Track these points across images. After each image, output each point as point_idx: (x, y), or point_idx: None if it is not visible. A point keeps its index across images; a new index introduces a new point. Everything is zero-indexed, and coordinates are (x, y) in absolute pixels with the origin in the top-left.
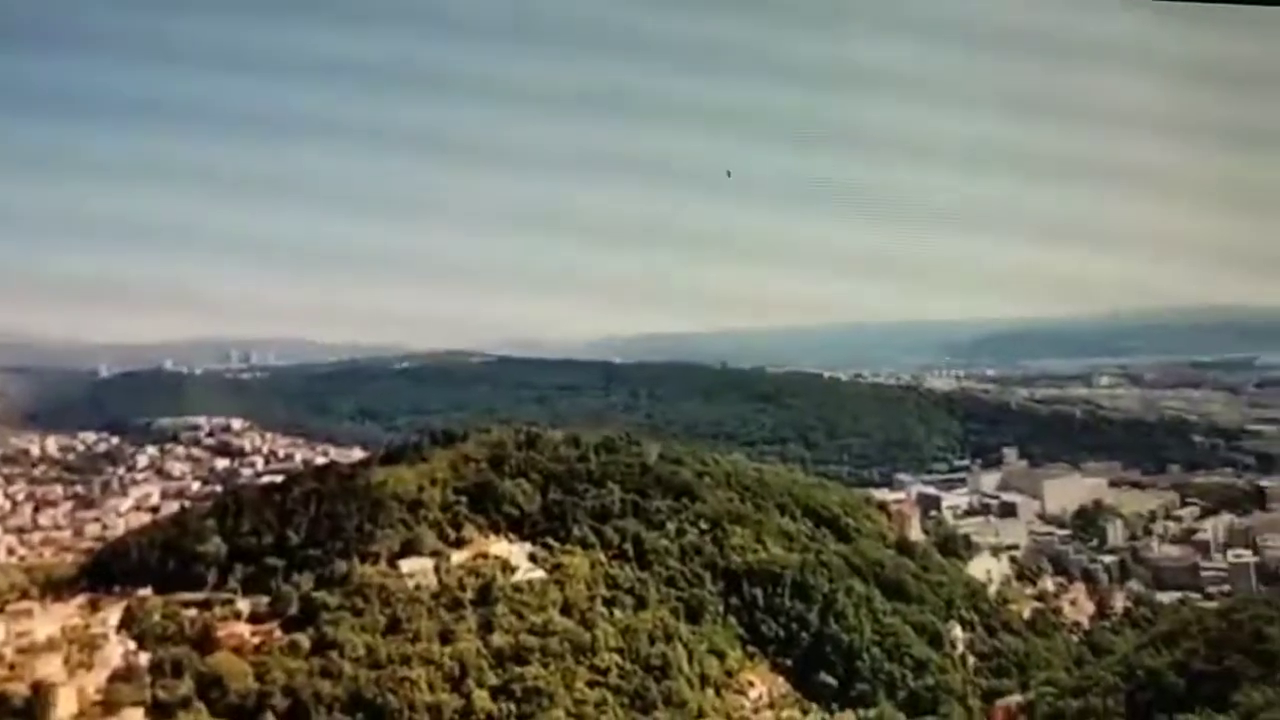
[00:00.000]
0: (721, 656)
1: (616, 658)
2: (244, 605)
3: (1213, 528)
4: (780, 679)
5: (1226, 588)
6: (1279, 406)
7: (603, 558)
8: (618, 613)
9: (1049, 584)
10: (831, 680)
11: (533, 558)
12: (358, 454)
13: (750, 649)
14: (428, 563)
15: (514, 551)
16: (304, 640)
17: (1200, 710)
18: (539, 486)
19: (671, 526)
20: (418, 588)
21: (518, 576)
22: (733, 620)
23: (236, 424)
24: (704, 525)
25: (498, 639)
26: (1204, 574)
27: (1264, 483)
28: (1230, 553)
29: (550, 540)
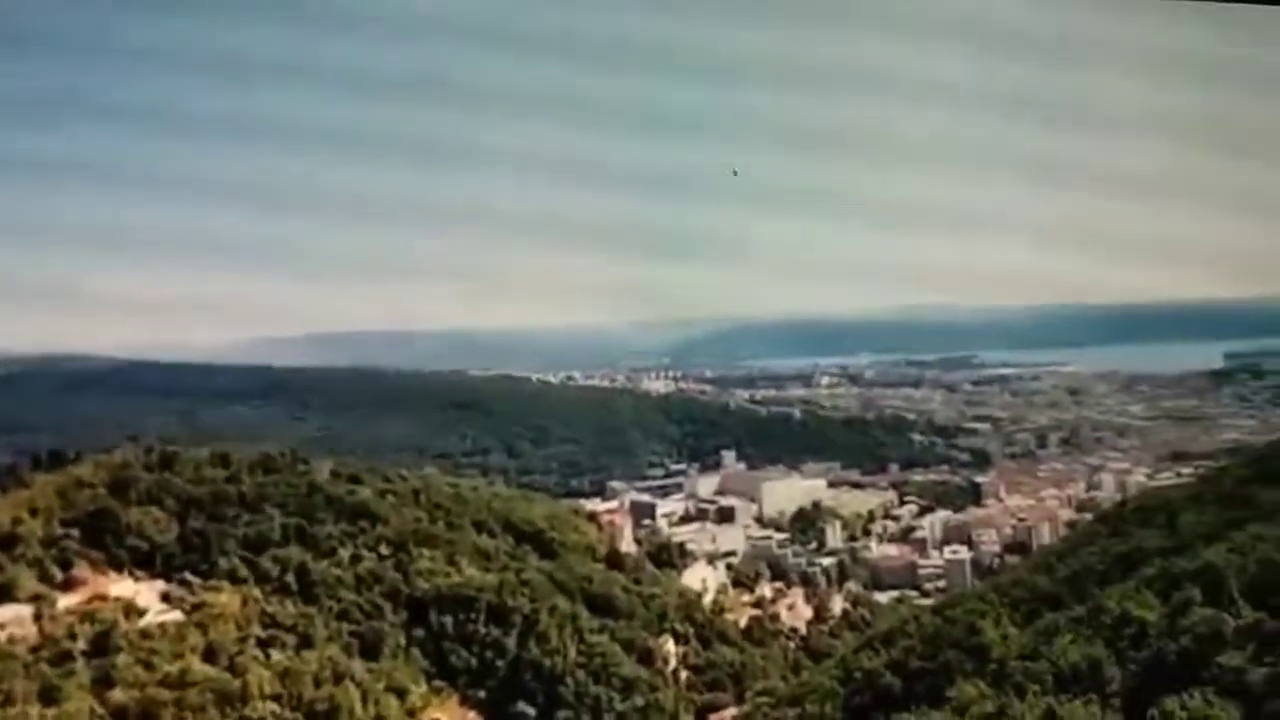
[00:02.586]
0: (402, 694)
1: (273, 706)
2: None
3: (930, 525)
4: (472, 713)
5: (943, 584)
6: (994, 404)
7: (257, 593)
8: (276, 654)
9: (767, 590)
10: (530, 709)
11: (167, 597)
12: None
13: (437, 683)
14: (24, 610)
15: (142, 591)
16: None
17: (916, 708)
18: (176, 514)
19: (345, 553)
20: (11, 640)
21: (147, 620)
22: (417, 653)
23: None
24: (385, 549)
25: (119, 694)
26: (921, 572)
27: (979, 479)
28: (947, 549)
29: (190, 576)
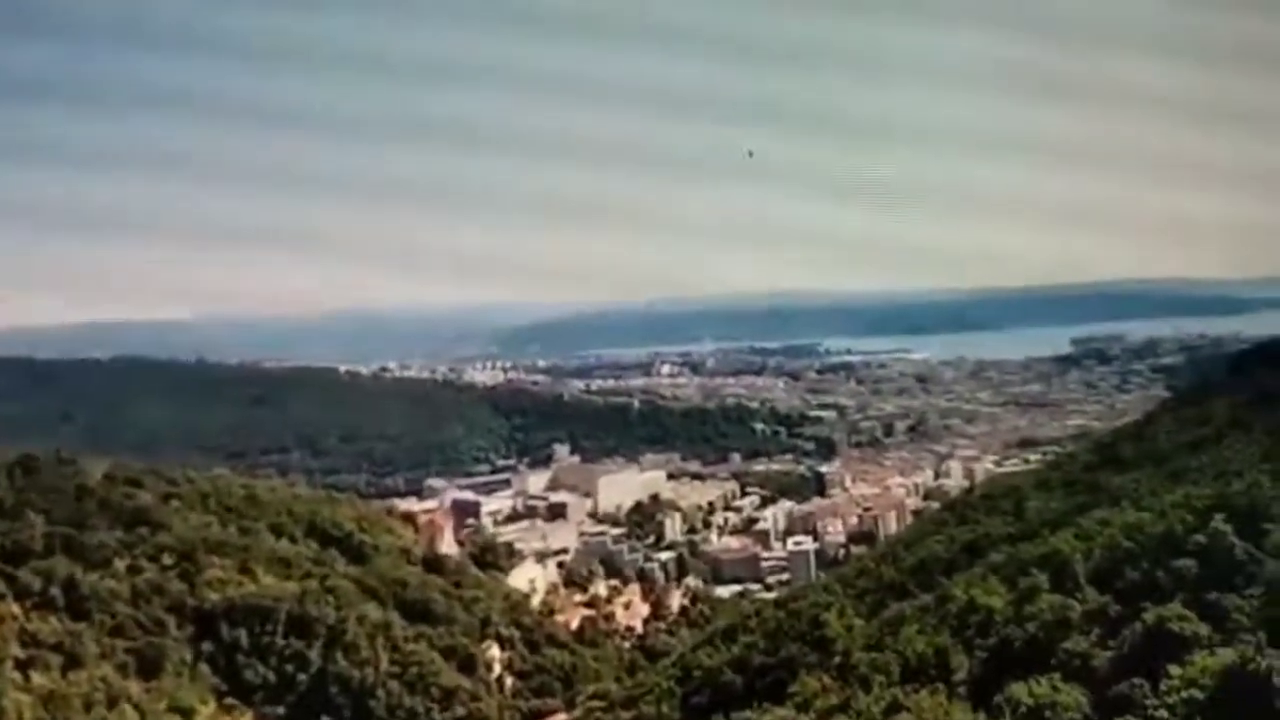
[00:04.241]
0: (188, 714)
1: None
2: None
3: (773, 516)
4: None
5: (786, 576)
6: (840, 392)
7: (16, 609)
8: (38, 677)
9: (601, 588)
10: None
11: None
12: None
13: (229, 700)
14: None
15: None
16: None
17: (758, 705)
18: None
19: (121, 564)
20: None
21: None
22: (206, 669)
23: None
24: (168, 559)
25: None
26: (764, 564)
27: (824, 468)
28: (790, 541)
29: None
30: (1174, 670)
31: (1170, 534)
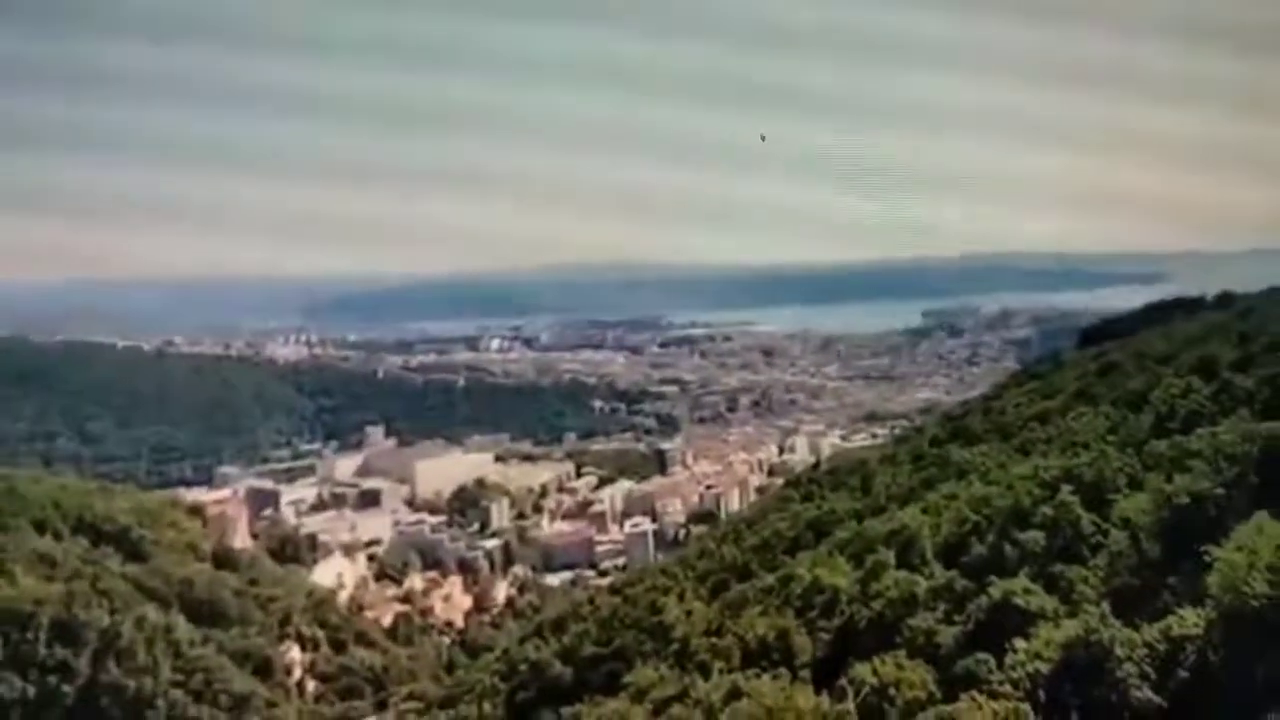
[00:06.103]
0: None
1: None
2: None
3: (610, 498)
4: None
5: (623, 560)
6: (683, 367)
7: None
8: None
9: (417, 581)
10: None
11: None
12: None
13: None
14: None
15: None
16: None
17: (589, 698)
18: None
19: None
20: None
21: None
22: None
23: None
24: None
25: None
26: (599, 549)
27: (665, 446)
28: (628, 523)
29: None
30: (1019, 644)
31: (1018, 507)
